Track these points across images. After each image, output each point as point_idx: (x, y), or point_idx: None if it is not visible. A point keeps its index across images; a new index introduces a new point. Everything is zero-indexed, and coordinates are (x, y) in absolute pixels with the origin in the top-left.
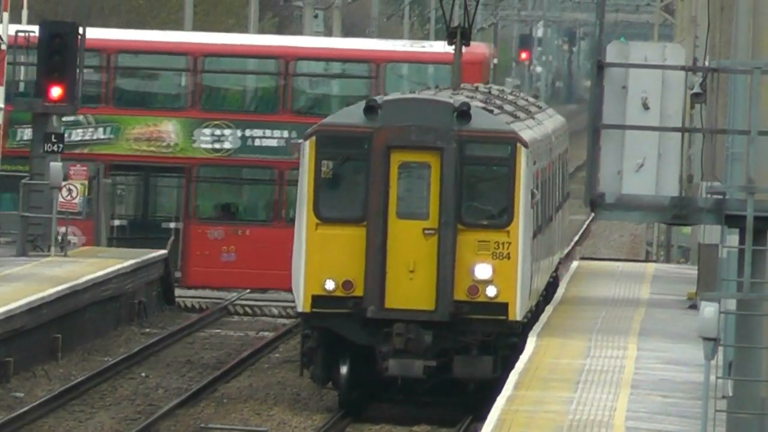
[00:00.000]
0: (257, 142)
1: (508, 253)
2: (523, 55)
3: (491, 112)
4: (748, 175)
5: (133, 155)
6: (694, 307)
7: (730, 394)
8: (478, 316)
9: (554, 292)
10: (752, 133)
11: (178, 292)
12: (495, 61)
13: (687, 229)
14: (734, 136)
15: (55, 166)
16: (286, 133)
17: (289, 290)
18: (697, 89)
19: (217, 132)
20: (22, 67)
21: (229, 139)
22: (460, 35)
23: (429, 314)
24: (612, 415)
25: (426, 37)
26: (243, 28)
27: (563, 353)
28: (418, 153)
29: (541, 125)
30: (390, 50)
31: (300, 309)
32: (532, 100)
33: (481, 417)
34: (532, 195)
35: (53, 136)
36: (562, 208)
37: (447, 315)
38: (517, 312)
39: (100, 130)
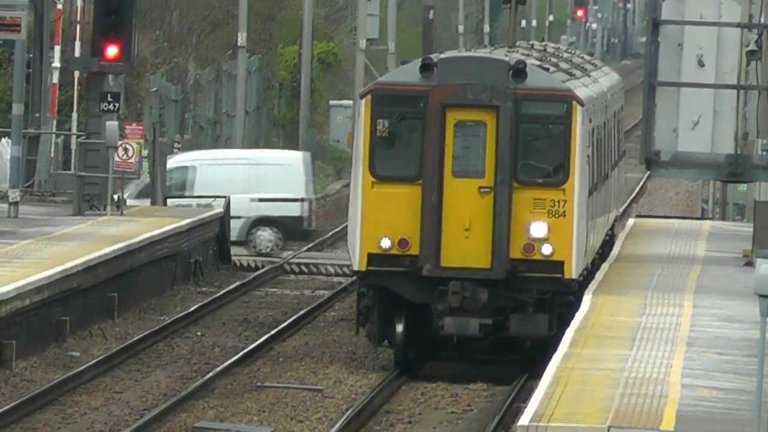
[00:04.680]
0: None
1: (564, 211)
2: (579, 13)
3: (547, 70)
4: None
5: None
6: (749, 264)
7: None
8: (533, 274)
9: (610, 249)
10: None
11: (233, 250)
12: (551, 18)
13: (743, 186)
14: None
15: (111, 125)
16: None
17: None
18: (752, 46)
19: None
20: None
21: None
22: None
23: (485, 272)
24: (668, 372)
25: None
26: None
27: (619, 311)
28: (473, 111)
29: (596, 83)
30: None
31: (356, 267)
32: (587, 57)
33: (537, 375)
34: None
35: (109, 96)
36: (618, 166)
37: (503, 273)
38: (573, 270)
39: None
